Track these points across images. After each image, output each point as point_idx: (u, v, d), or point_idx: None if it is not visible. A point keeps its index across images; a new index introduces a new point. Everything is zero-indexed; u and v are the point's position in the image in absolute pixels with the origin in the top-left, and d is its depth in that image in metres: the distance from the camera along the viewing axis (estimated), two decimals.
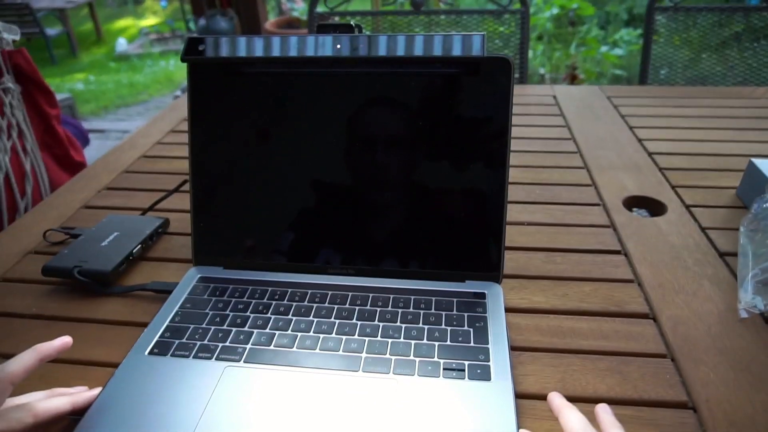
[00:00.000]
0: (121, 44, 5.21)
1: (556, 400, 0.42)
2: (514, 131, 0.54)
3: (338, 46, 0.52)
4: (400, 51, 0.52)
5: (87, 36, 5.80)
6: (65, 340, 0.44)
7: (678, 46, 1.56)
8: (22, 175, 0.96)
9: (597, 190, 0.77)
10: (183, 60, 0.54)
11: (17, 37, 1.00)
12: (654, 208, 0.74)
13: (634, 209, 0.74)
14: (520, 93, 1.18)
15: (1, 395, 0.39)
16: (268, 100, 0.56)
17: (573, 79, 3.02)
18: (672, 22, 1.54)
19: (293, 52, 0.54)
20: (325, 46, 0.53)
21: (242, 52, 0.54)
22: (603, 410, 0.40)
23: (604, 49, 3.22)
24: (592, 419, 0.40)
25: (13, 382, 0.40)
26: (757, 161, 0.71)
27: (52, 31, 4.98)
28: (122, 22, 6.24)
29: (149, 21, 6.01)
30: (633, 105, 1.10)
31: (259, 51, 0.54)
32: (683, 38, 1.57)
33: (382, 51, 0.52)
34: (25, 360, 0.41)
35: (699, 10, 1.54)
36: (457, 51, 0.51)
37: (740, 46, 1.57)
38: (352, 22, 0.53)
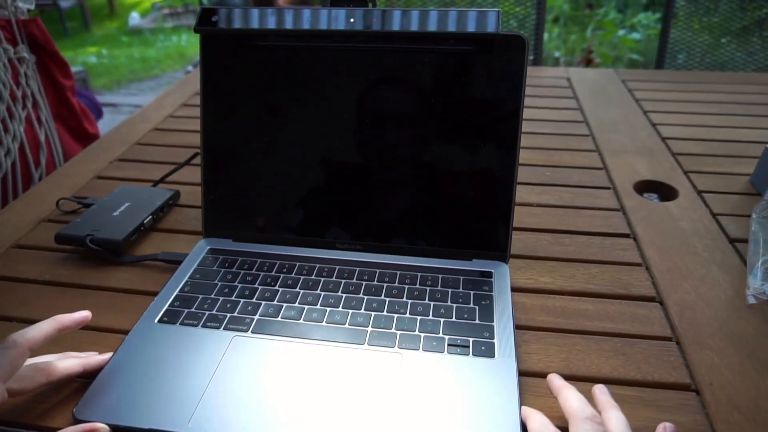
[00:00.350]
0: (134, 18, 5.20)
1: (556, 380, 0.42)
2: (527, 113, 0.54)
3: (352, 20, 0.52)
4: (414, 26, 0.52)
5: (100, 9, 5.78)
6: (85, 314, 0.45)
7: (697, 31, 1.53)
8: (36, 145, 0.96)
9: (608, 174, 0.77)
10: (196, 30, 0.54)
11: (32, 6, 1.00)
12: (665, 192, 0.73)
13: (645, 194, 0.74)
14: (534, 75, 1.17)
15: (20, 359, 0.40)
16: (280, 74, 0.56)
17: (588, 63, 2.97)
18: (692, 5, 1.51)
19: (306, 25, 0.53)
20: (339, 19, 0.53)
21: (255, 24, 0.54)
22: (600, 391, 0.41)
23: (621, 32, 3.17)
24: (591, 399, 0.41)
25: (32, 348, 0.41)
26: None
27: (66, 3, 4.97)
28: None
29: None
30: (648, 89, 1.08)
31: (272, 23, 0.54)
32: (703, 23, 1.53)
33: (396, 26, 0.52)
34: (44, 328, 0.42)
35: None
36: (471, 27, 0.51)
37: (762, 33, 1.54)
38: None
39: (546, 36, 3.20)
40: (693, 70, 1.51)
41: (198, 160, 0.60)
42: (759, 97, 1.03)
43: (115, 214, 0.62)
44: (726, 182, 0.74)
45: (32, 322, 0.50)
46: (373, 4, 0.53)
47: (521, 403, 0.41)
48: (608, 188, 0.73)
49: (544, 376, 0.45)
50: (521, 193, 0.71)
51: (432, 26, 0.51)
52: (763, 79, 1.13)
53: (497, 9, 0.49)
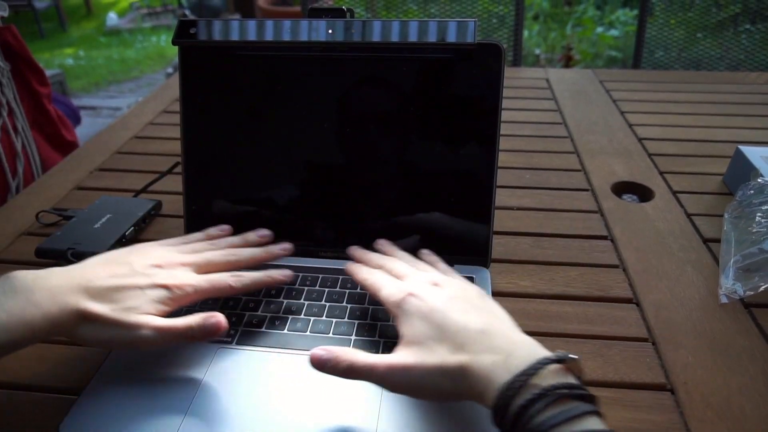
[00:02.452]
0: (112, 18, 5.12)
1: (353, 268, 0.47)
2: (506, 115, 0.55)
3: (330, 31, 0.52)
4: (394, 37, 0.52)
5: (76, 9, 5.69)
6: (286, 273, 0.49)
7: (674, 27, 1.56)
8: (13, 155, 0.95)
9: (586, 176, 0.78)
10: (174, 43, 0.54)
11: (5, 14, 0.98)
12: (642, 193, 0.75)
13: (625, 195, 0.75)
14: (514, 76, 1.18)
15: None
16: (260, 83, 0.56)
17: (568, 60, 3.00)
18: (668, 2, 1.54)
19: (286, 37, 0.53)
20: (319, 30, 0.53)
21: (235, 36, 0.54)
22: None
23: (599, 29, 3.21)
24: None
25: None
26: (744, 148, 0.72)
27: (41, 4, 4.88)
28: None
29: None
30: (625, 90, 1.10)
31: (251, 35, 0.54)
32: (679, 18, 1.56)
33: (375, 36, 0.52)
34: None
35: None
36: (451, 37, 0.51)
37: (736, 29, 1.57)
38: (344, 7, 0.53)
39: (526, 33, 3.23)
40: (668, 70, 1.54)
41: (179, 169, 0.60)
42: (732, 96, 1.05)
43: (96, 226, 0.62)
44: (700, 182, 0.75)
45: None
46: (351, 15, 0.54)
47: None
48: (587, 190, 0.75)
49: None
50: (502, 197, 0.72)
51: (411, 37, 0.52)
52: (736, 78, 1.16)
53: (474, 19, 0.50)
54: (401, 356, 0.37)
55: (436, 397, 0.38)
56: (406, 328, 0.39)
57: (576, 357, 0.33)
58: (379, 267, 0.48)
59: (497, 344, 0.35)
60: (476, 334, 0.36)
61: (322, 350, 0.39)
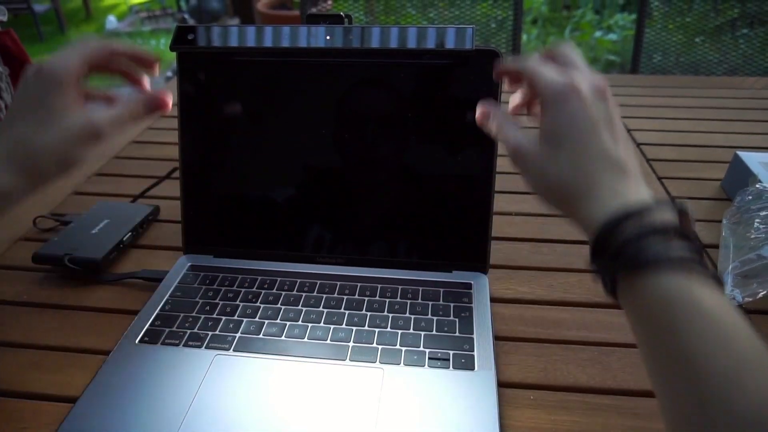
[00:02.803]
0: (111, 22, 5.12)
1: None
2: None
3: (328, 38, 0.52)
4: (392, 43, 0.52)
5: (76, 13, 5.69)
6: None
7: (672, 31, 1.56)
8: None
9: None
10: (172, 49, 0.54)
11: (5, 18, 0.98)
12: None
13: None
14: None
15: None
16: (258, 89, 0.56)
17: None
18: (667, 6, 1.54)
19: (284, 43, 0.53)
20: (318, 37, 0.53)
21: (232, 42, 0.54)
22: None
23: (598, 34, 3.21)
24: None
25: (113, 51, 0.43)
26: (742, 153, 0.72)
27: (40, 7, 4.88)
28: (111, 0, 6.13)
29: None
30: (623, 95, 1.10)
31: (249, 42, 0.54)
32: (677, 23, 1.57)
33: (373, 43, 0.52)
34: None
35: None
36: (449, 43, 0.51)
37: (734, 33, 1.57)
38: (341, 13, 0.53)
39: (524, 37, 3.23)
40: (667, 75, 1.54)
41: (177, 174, 0.60)
42: (730, 101, 1.06)
43: (93, 231, 0.62)
44: (698, 188, 0.75)
45: (10, 345, 0.50)
46: (349, 21, 0.54)
47: (500, 416, 0.42)
48: None
49: (523, 387, 0.46)
50: (501, 202, 0.72)
51: (409, 43, 0.52)
52: (733, 83, 1.16)
53: (472, 26, 0.50)
54: (532, 144, 0.37)
55: (542, 196, 0.38)
56: (551, 121, 0.36)
57: (690, 213, 0.32)
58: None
59: (627, 181, 0.34)
60: (612, 161, 0.34)
61: (488, 106, 0.41)
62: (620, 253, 0.30)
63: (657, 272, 0.29)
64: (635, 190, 0.33)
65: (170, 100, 0.45)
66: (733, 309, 0.28)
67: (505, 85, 0.44)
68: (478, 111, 0.42)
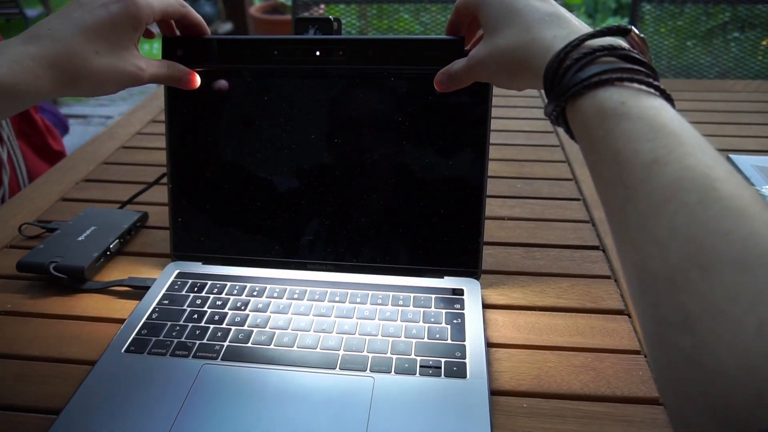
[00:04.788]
0: None
1: None
2: (498, 124, 0.54)
3: (318, 54, 0.52)
4: (382, 56, 0.52)
5: None
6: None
7: (664, 35, 1.56)
8: None
9: (578, 185, 0.78)
10: None
11: None
12: None
13: None
14: None
15: None
16: (247, 98, 0.55)
17: None
18: (658, 9, 1.55)
19: (273, 56, 0.53)
20: (307, 51, 0.52)
21: (222, 55, 0.53)
22: None
23: None
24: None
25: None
26: (735, 157, 0.72)
27: (33, 11, 4.86)
28: None
29: None
30: None
31: (238, 54, 0.53)
32: (670, 27, 1.57)
33: (363, 55, 0.52)
34: None
35: (685, 0, 1.54)
36: (438, 55, 0.51)
37: (726, 37, 1.58)
38: (330, 17, 0.52)
39: None
40: (660, 77, 1.54)
41: (166, 180, 0.59)
42: (722, 104, 1.06)
43: (80, 238, 0.61)
44: None
45: None
46: (338, 24, 0.53)
47: (493, 425, 0.41)
48: (578, 199, 0.74)
49: (515, 395, 0.45)
50: (493, 207, 0.72)
51: (401, 54, 0.51)
52: (725, 86, 1.16)
53: (462, 36, 0.50)
54: (478, 52, 0.40)
55: (506, 82, 0.40)
56: (486, 16, 0.40)
57: (642, 36, 0.33)
58: None
59: (565, 24, 0.35)
60: (546, 15, 0.36)
61: (439, 74, 0.45)
62: (563, 82, 0.31)
63: (595, 89, 0.30)
64: (577, 28, 0.35)
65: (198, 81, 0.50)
66: (666, 108, 0.29)
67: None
68: (437, 83, 0.46)
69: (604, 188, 0.29)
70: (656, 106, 0.29)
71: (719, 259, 0.21)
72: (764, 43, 1.53)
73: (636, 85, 0.30)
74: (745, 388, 0.19)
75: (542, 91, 0.35)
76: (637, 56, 0.31)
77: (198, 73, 0.50)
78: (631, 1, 1.51)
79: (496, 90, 0.53)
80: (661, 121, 0.28)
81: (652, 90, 0.30)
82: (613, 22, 3.31)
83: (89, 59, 0.40)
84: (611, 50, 0.31)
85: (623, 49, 0.31)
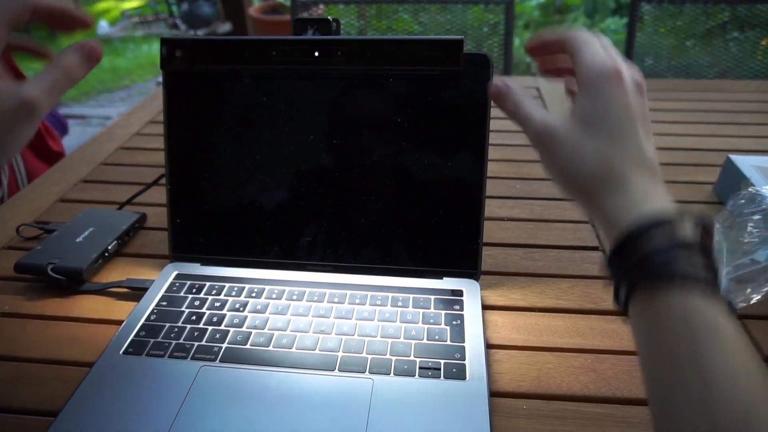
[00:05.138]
0: (103, 27, 5.10)
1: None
2: (497, 124, 0.54)
3: (317, 54, 0.51)
4: (381, 56, 0.51)
5: None
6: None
7: (663, 35, 1.56)
8: None
9: None
10: (162, 68, 0.54)
11: None
12: None
13: None
14: None
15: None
16: (245, 98, 0.55)
17: None
18: (658, 9, 1.55)
19: (273, 57, 0.52)
20: (306, 51, 0.52)
21: (221, 56, 0.53)
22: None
23: None
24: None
25: (36, 7, 0.37)
26: (734, 157, 0.72)
27: None
28: (104, 5, 6.11)
29: (131, 3, 5.89)
30: None
31: (237, 55, 0.53)
32: (669, 27, 1.57)
33: (362, 56, 0.52)
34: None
35: (684, 0, 1.54)
36: (437, 55, 0.51)
37: (725, 37, 1.58)
38: (329, 17, 0.52)
39: (517, 42, 3.24)
40: (658, 78, 1.54)
41: (165, 181, 0.59)
42: (721, 104, 1.06)
43: (78, 240, 0.61)
44: (690, 192, 0.75)
45: None
46: (337, 25, 0.53)
47: (492, 427, 0.41)
48: None
49: (515, 396, 0.45)
50: (492, 207, 0.71)
51: (399, 55, 0.51)
52: (724, 86, 1.16)
53: (461, 37, 0.50)
54: (563, 124, 0.35)
55: (564, 182, 0.36)
56: (590, 103, 0.34)
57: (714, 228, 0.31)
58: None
59: (655, 181, 0.33)
60: (644, 160, 0.33)
61: (502, 84, 0.38)
62: (646, 262, 0.29)
63: (682, 289, 0.28)
64: (663, 196, 0.32)
65: (101, 48, 0.39)
66: (743, 335, 0.28)
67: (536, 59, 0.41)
68: (492, 87, 0.38)
69: (671, 400, 0.28)
70: (738, 332, 0.28)
71: None
72: (763, 43, 1.53)
73: (719, 300, 0.28)
74: None
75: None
76: (715, 261, 0.30)
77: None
78: (630, 1, 1.51)
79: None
80: (743, 348, 0.28)
81: (727, 305, 0.29)
82: (612, 22, 3.32)
83: None
84: (704, 251, 0.29)
85: (709, 249, 0.30)
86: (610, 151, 0.33)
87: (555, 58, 0.40)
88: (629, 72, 0.35)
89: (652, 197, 0.32)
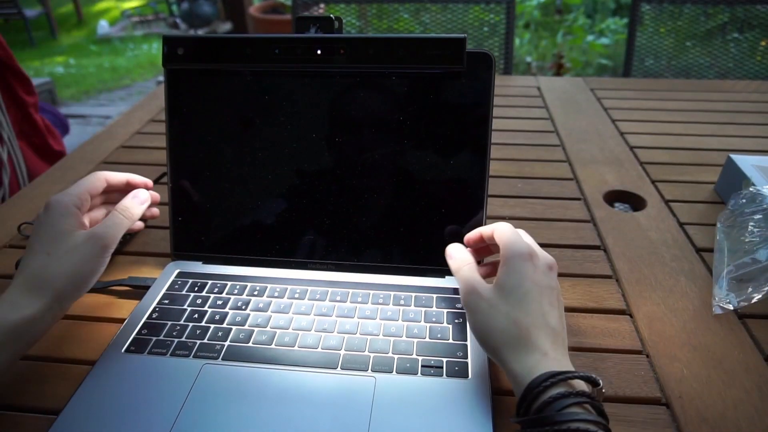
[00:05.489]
0: (103, 27, 5.11)
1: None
2: (498, 123, 0.54)
3: (319, 52, 0.51)
4: (383, 55, 0.51)
5: (67, 18, 5.67)
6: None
7: (663, 36, 1.57)
8: None
9: (578, 185, 0.78)
10: (164, 66, 0.54)
11: None
12: (634, 202, 0.75)
13: (617, 204, 0.75)
14: (505, 84, 1.18)
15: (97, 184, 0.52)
16: (247, 97, 0.55)
17: (559, 69, 3.02)
18: (657, 10, 1.55)
19: (274, 55, 0.53)
20: (308, 50, 0.52)
21: (222, 54, 0.53)
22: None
23: (590, 38, 3.23)
24: None
25: (108, 180, 0.53)
26: (735, 157, 0.72)
27: (31, 12, 4.86)
28: (103, 4, 6.12)
29: (131, 3, 5.89)
30: (616, 98, 1.10)
31: (239, 54, 0.53)
32: (669, 27, 1.57)
33: (365, 54, 0.52)
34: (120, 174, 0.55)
35: (684, 1, 1.54)
36: (439, 54, 0.51)
37: (725, 37, 1.58)
38: (331, 15, 0.52)
39: (517, 42, 3.24)
40: (659, 78, 1.55)
41: (166, 180, 0.59)
42: (721, 104, 1.06)
43: None
44: (692, 191, 0.75)
45: None
46: (339, 23, 0.53)
47: (495, 425, 0.41)
48: (579, 199, 0.74)
49: None
50: (494, 207, 0.72)
51: (401, 54, 0.51)
52: (725, 86, 1.16)
53: (464, 34, 0.50)
54: (486, 289, 0.42)
55: (481, 337, 0.42)
56: (506, 276, 0.42)
57: (602, 386, 0.38)
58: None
59: (556, 344, 0.40)
60: (547, 325, 0.40)
61: (451, 250, 0.48)
62: (543, 411, 0.35)
63: None
64: (561, 356, 0.39)
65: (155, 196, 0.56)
66: None
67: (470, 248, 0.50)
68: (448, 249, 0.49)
69: None
70: None
71: None
72: (763, 43, 1.53)
73: None
74: None
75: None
76: (603, 411, 0.36)
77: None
78: (630, 1, 1.51)
79: (496, 90, 0.53)
80: None
81: None
82: (612, 22, 3.32)
83: (46, 265, 0.45)
84: (589, 398, 0.35)
85: (600, 402, 0.36)
86: (518, 314, 0.40)
87: (486, 248, 0.50)
88: (542, 255, 0.44)
89: (551, 357, 0.38)
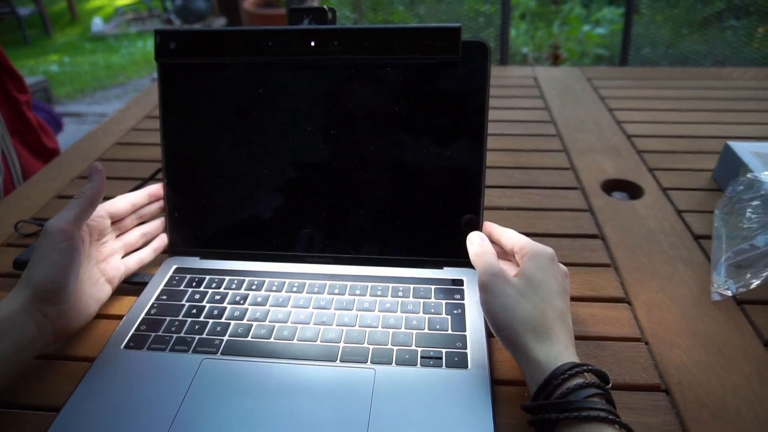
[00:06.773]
0: (97, 24, 5.07)
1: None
2: (495, 114, 0.54)
3: (313, 44, 0.51)
4: (377, 45, 0.51)
5: (61, 15, 5.64)
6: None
7: (660, 24, 1.56)
8: None
9: (576, 174, 0.77)
10: (157, 60, 0.53)
11: None
12: (632, 191, 0.75)
13: (615, 193, 0.75)
14: (501, 74, 1.18)
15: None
16: (241, 90, 0.55)
17: (556, 59, 3.01)
18: (654, 0, 1.54)
19: (268, 47, 0.52)
20: (302, 41, 0.52)
21: (215, 47, 0.53)
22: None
23: (586, 28, 3.21)
24: None
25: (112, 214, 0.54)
26: (733, 144, 0.72)
27: (25, 10, 4.82)
28: (97, 1, 6.07)
29: (125, 0, 5.85)
30: (612, 87, 1.10)
31: (232, 46, 0.53)
32: (665, 16, 1.57)
33: (359, 45, 0.51)
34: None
35: None
36: (434, 44, 0.50)
37: (722, 25, 1.58)
38: (325, 6, 0.52)
39: (513, 32, 3.23)
40: (655, 67, 1.54)
41: (161, 176, 0.59)
42: (719, 92, 1.05)
43: None
44: (689, 179, 0.75)
45: None
46: (332, 15, 0.52)
47: (495, 414, 0.41)
48: (576, 188, 0.74)
49: (517, 384, 0.45)
50: (491, 197, 0.71)
51: (396, 44, 0.51)
52: (722, 74, 1.16)
53: (459, 24, 0.49)
54: (512, 278, 0.45)
55: (502, 321, 0.42)
56: (534, 269, 0.45)
57: (611, 384, 0.40)
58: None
59: (571, 339, 0.42)
60: (566, 320, 0.43)
61: (474, 237, 0.51)
62: (568, 399, 0.37)
63: (598, 423, 0.35)
64: (575, 353, 0.41)
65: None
66: None
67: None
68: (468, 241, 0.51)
69: None
70: None
71: None
72: (760, 30, 1.53)
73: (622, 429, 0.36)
74: None
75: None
76: (612, 401, 0.38)
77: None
78: None
79: (493, 80, 0.53)
80: None
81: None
82: (608, 12, 3.30)
83: (42, 284, 0.44)
84: (605, 392, 0.38)
85: (610, 393, 0.38)
86: (545, 306, 0.42)
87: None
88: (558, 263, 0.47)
89: (571, 351, 0.41)
